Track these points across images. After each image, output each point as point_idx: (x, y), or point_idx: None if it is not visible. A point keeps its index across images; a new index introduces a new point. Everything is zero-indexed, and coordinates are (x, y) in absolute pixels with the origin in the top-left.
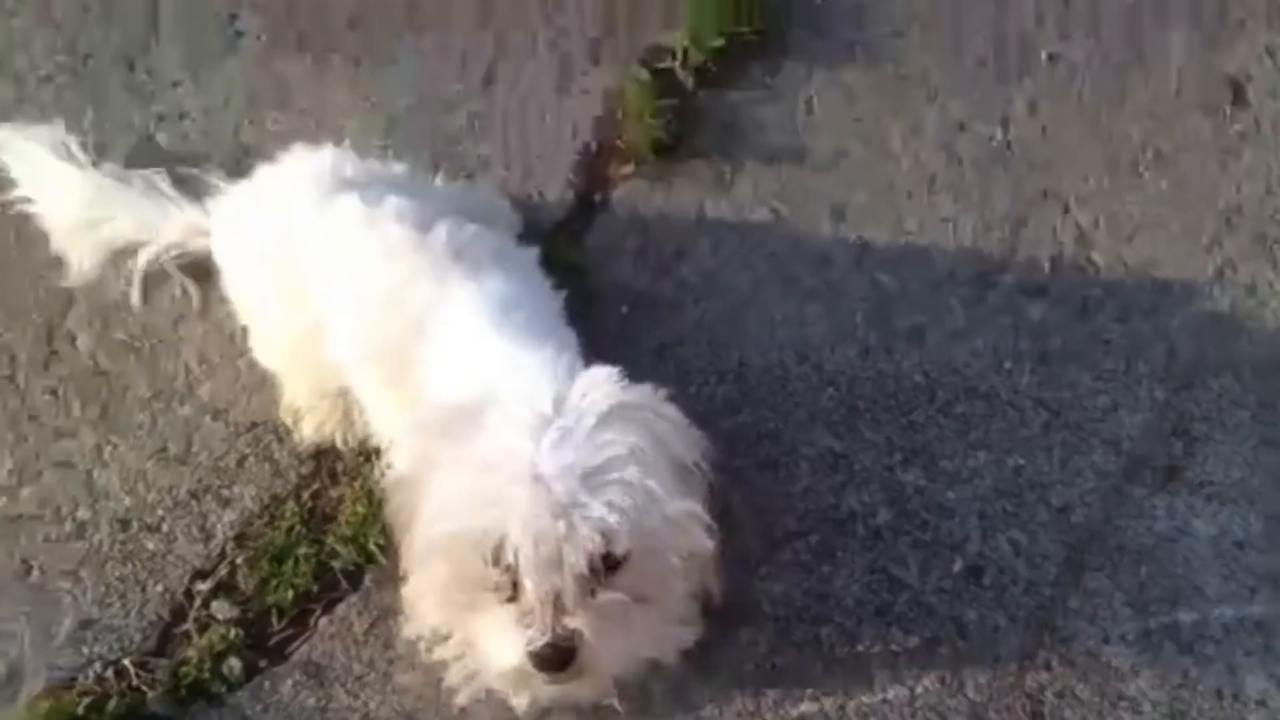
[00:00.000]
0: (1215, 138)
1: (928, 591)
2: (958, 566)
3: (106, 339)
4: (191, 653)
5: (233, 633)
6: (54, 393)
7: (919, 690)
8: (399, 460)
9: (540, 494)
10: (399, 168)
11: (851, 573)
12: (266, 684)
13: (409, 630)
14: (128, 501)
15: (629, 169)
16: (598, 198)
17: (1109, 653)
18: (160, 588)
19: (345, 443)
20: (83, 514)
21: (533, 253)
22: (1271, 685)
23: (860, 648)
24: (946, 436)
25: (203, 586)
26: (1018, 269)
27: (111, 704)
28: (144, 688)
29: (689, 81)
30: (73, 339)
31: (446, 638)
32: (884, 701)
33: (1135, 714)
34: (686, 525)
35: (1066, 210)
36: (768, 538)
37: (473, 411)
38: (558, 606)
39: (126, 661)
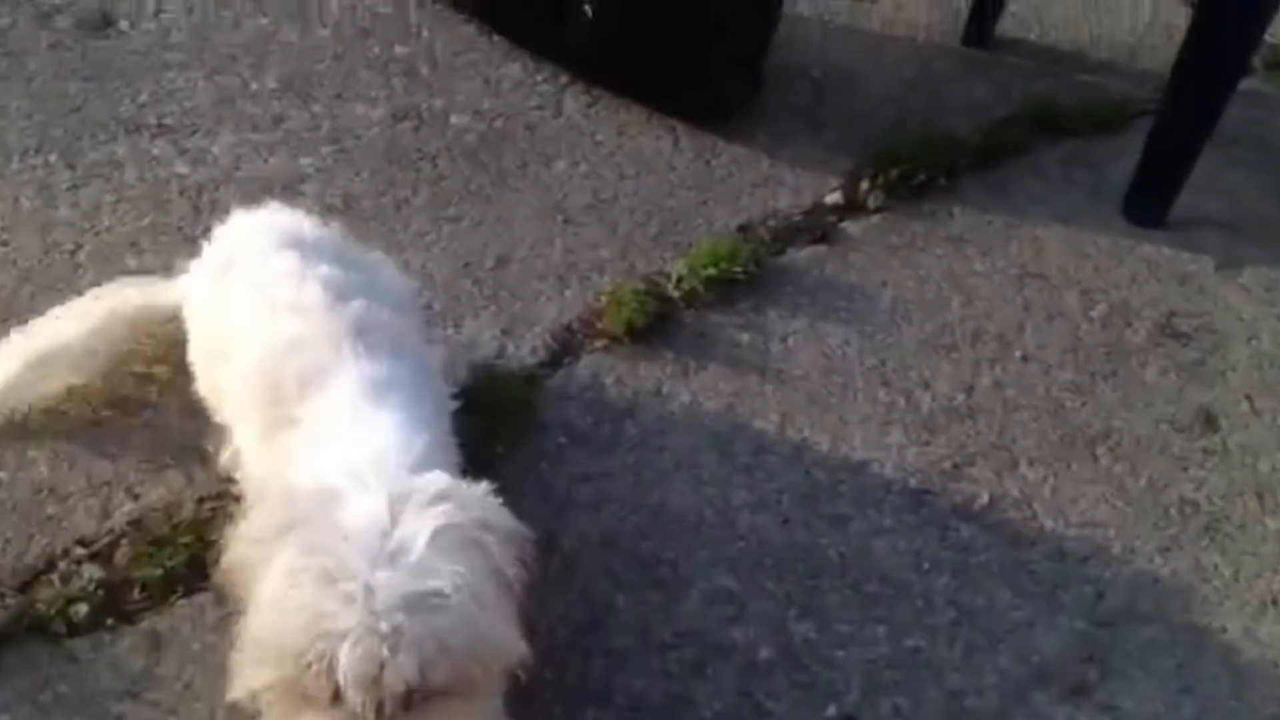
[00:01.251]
0: (1181, 449)
1: None
2: (832, 711)
3: None
4: (46, 594)
5: (92, 587)
6: None
7: None
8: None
9: (368, 619)
10: (360, 247)
11: (718, 690)
12: (107, 638)
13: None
14: (46, 473)
15: (602, 344)
16: (566, 360)
17: None
18: (45, 542)
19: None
20: (4, 475)
21: (436, 351)
22: None
23: None
24: (848, 605)
25: (81, 550)
26: (956, 496)
27: None
28: None
29: (677, 296)
30: None
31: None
32: None
33: None
34: (504, 644)
35: (1015, 466)
36: (641, 640)
37: (311, 506)
38: (379, 715)
39: None
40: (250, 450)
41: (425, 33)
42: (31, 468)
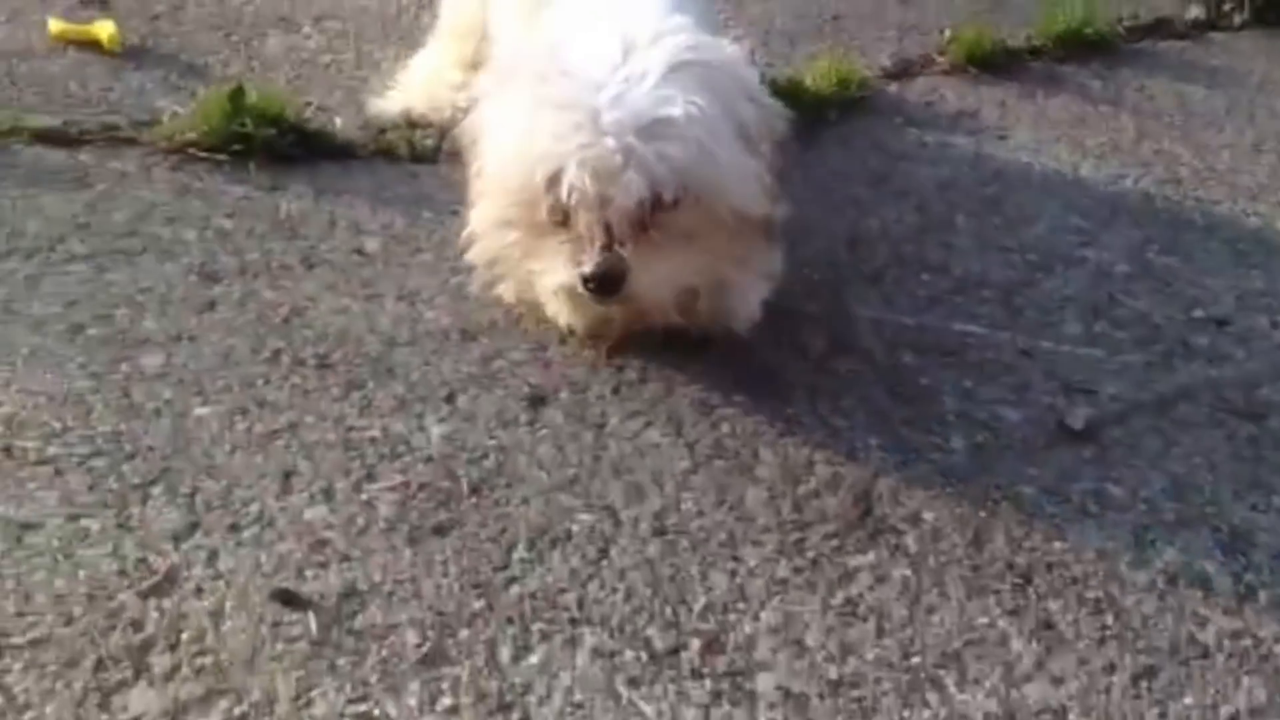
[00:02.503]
0: None
1: (1153, 314)
2: (1198, 314)
3: None
4: (394, 134)
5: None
6: None
7: (1121, 359)
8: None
9: (597, 138)
10: None
11: (1067, 282)
12: (444, 169)
13: (470, 256)
14: None
15: (943, 68)
16: (904, 78)
17: None
18: None
19: None
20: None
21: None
22: None
23: (1039, 296)
24: (1216, 254)
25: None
26: None
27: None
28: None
29: (1023, 48)
30: None
31: (500, 268)
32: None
33: None
34: (739, 182)
35: None
36: (980, 243)
37: (545, 57)
38: (608, 237)
39: (337, 121)
40: (505, 33)
41: None
42: None
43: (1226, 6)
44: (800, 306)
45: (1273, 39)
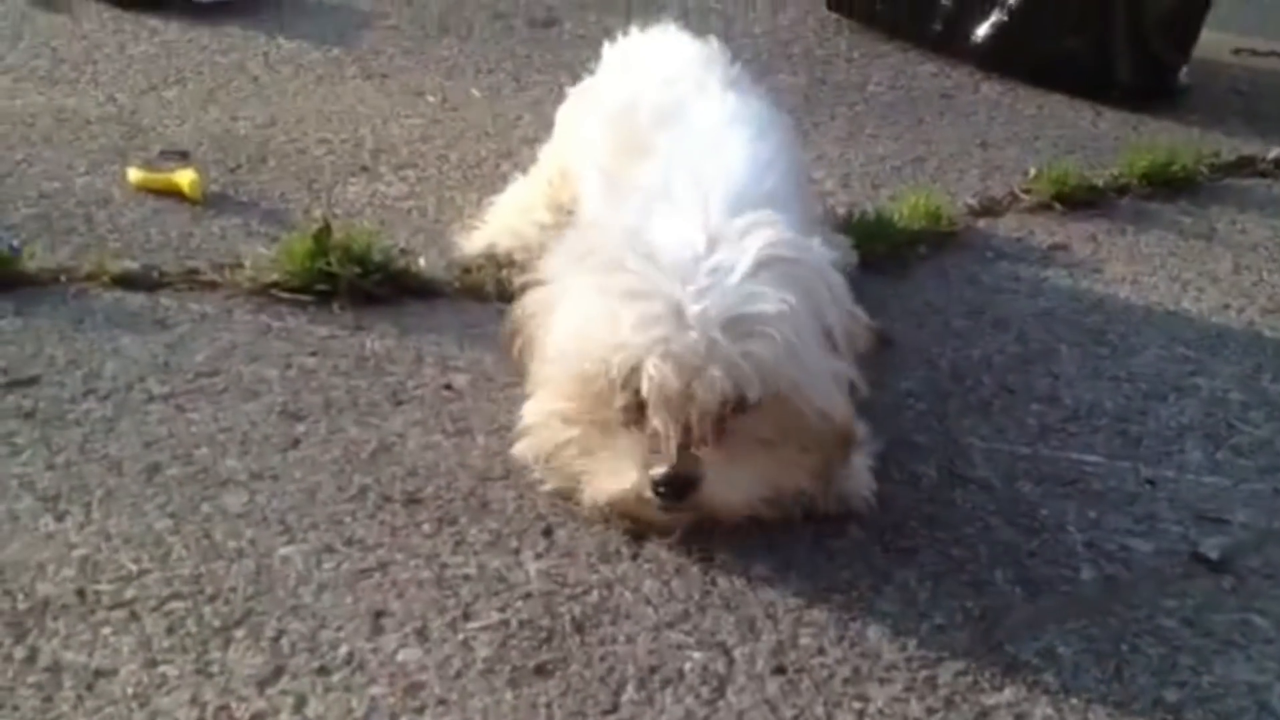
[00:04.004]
0: None
1: (1275, 441)
2: None
3: None
4: (482, 272)
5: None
6: None
7: (1248, 487)
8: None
9: (681, 333)
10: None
11: (1182, 410)
12: None
13: (520, 449)
14: None
15: (1029, 204)
16: (990, 215)
17: None
18: None
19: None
20: None
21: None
22: None
23: (1155, 425)
24: None
25: None
26: None
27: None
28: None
29: (1107, 187)
30: None
31: (558, 463)
32: None
33: None
34: (823, 385)
35: None
36: (1090, 370)
37: (622, 241)
38: (684, 439)
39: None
40: (597, 187)
41: (842, 41)
42: None
43: None
44: (908, 436)
45: None
